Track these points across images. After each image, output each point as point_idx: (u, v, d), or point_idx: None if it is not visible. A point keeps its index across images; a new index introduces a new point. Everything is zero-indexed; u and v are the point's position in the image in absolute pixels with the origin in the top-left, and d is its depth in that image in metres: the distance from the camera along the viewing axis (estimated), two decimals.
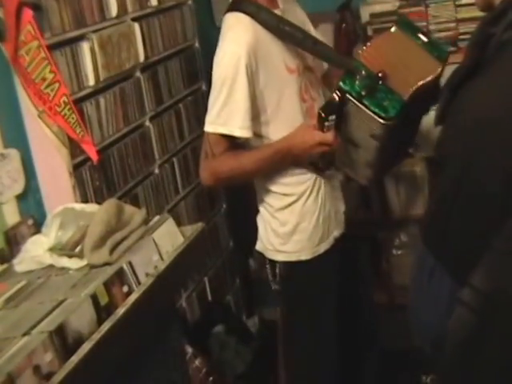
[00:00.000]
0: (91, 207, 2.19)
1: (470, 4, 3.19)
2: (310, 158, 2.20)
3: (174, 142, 3.14)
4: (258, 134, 2.21)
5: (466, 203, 1.54)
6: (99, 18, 2.57)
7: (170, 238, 2.14)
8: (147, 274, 1.98)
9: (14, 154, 2.27)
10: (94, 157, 2.44)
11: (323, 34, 2.61)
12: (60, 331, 1.64)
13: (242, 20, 2.17)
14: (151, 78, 2.95)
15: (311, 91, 2.30)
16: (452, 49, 3.33)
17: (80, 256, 1.98)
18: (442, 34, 3.34)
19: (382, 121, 1.96)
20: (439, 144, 1.70)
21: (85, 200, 2.44)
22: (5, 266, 2.14)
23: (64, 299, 1.78)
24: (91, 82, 2.51)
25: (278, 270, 2.34)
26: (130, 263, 1.95)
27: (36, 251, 2.06)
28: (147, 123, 2.92)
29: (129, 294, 1.90)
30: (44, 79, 2.23)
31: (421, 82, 2.01)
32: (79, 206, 2.21)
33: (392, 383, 3.05)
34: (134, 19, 2.81)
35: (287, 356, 2.50)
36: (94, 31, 2.54)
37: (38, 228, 2.25)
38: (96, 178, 2.53)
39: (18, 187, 2.29)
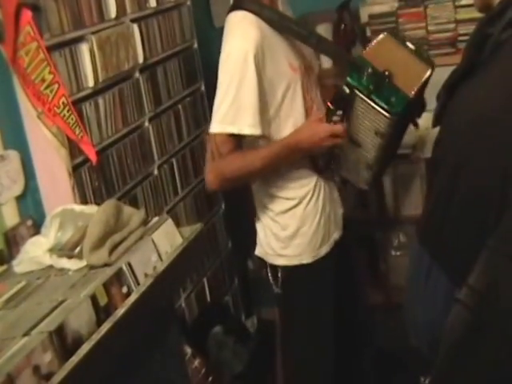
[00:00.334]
0: (90, 208, 2.19)
1: (469, 5, 3.20)
2: (320, 152, 2.18)
3: (173, 142, 3.14)
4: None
5: (462, 203, 1.54)
6: (98, 19, 2.57)
7: (168, 238, 2.15)
8: (146, 275, 1.99)
9: (13, 155, 2.27)
10: (93, 158, 2.44)
11: (322, 33, 2.61)
12: (59, 331, 1.64)
13: (247, 17, 2.15)
14: (150, 78, 2.96)
15: (311, 92, 2.30)
16: (451, 50, 3.35)
17: (79, 257, 1.99)
18: (441, 35, 3.35)
19: (389, 115, 1.99)
20: (436, 144, 1.70)
21: (84, 201, 2.44)
22: (4, 266, 2.14)
23: (63, 300, 1.79)
24: (90, 82, 2.51)
25: (279, 275, 2.34)
26: (129, 264, 1.96)
27: (35, 252, 2.06)
28: (146, 124, 2.92)
29: (128, 294, 1.91)
30: (43, 80, 2.24)
31: (423, 79, 2.05)
32: (78, 207, 2.21)
33: None
34: (133, 20, 2.82)
35: (285, 356, 2.51)
36: (93, 32, 2.54)
37: (37, 229, 2.26)
38: (95, 178, 2.53)
39: (18, 188, 2.29)
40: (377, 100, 2.01)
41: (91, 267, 1.96)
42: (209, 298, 3.41)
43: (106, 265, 1.95)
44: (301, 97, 2.24)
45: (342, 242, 2.42)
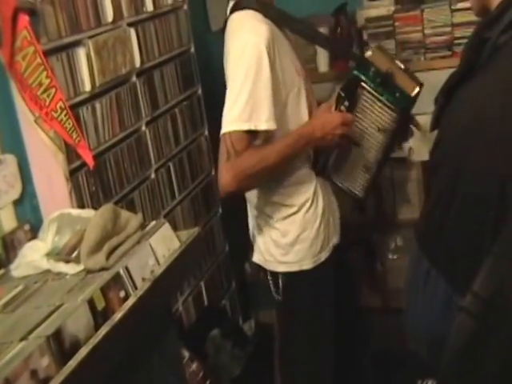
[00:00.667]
0: (87, 212, 2.19)
1: (465, 8, 3.21)
2: (330, 142, 2.18)
3: (170, 146, 3.14)
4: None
5: (461, 207, 1.54)
6: (95, 23, 2.57)
7: (166, 242, 2.14)
8: (144, 279, 1.99)
9: (10, 159, 2.27)
10: (90, 162, 2.44)
11: None
12: (57, 336, 1.64)
13: (254, 15, 2.13)
14: (147, 82, 2.96)
15: (309, 97, 2.30)
16: (447, 53, 3.36)
17: (77, 261, 1.99)
18: (438, 38, 3.36)
19: (394, 108, 2.05)
20: (434, 147, 1.70)
21: (81, 205, 2.44)
22: (2, 271, 2.14)
23: (61, 304, 1.79)
24: (87, 87, 2.51)
25: (280, 281, 2.33)
26: (127, 268, 1.95)
27: (33, 256, 2.06)
28: (143, 128, 2.92)
29: (125, 298, 1.90)
30: (40, 85, 2.23)
31: (414, 93, 2.14)
32: (75, 211, 2.21)
33: None
34: (130, 24, 2.82)
35: (283, 360, 2.51)
36: (90, 37, 2.54)
37: (34, 233, 2.25)
38: (92, 183, 2.53)
39: (15, 193, 2.28)
40: (383, 93, 2.05)
41: (88, 271, 1.96)
42: (206, 302, 3.41)
43: (103, 269, 1.95)
44: (304, 98, 2.24)
45: (339, 245, 2.43)
